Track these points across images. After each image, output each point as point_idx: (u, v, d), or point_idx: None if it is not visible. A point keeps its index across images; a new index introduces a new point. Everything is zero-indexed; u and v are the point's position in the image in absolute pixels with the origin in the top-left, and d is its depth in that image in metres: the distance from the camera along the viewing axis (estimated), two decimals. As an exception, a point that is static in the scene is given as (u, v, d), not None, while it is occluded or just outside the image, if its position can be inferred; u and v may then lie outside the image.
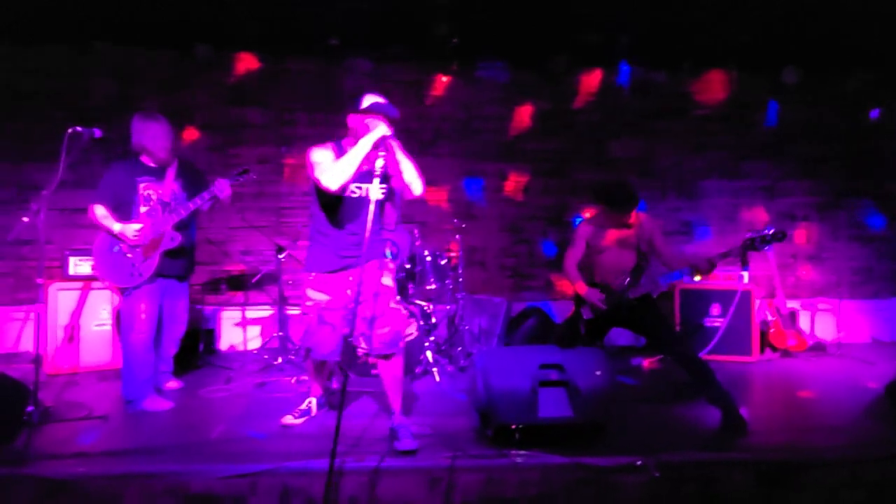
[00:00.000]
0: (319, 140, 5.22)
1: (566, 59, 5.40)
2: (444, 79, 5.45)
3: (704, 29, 4.81)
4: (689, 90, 5.61)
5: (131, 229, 3.33)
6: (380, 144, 2.67)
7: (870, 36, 4.87)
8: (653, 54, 5.34)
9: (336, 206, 2.87)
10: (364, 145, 2.69)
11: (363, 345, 2.93)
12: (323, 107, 5.37)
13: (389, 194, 2.95)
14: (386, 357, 2.90)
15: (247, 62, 5.29)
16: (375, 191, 2.62)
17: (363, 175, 2.77)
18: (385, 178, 2.83)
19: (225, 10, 4.49)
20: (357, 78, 5.38)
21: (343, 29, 4.89)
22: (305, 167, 2.87)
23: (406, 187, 2.81)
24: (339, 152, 2.83)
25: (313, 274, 2.93)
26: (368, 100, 2.86)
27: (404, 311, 3.28)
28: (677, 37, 5.00)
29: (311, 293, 2.93)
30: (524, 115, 5.54)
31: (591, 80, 5.58)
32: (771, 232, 3.16)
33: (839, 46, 5.08)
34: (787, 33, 4.85)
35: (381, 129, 2.69)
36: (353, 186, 2.83)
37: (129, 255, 3.35)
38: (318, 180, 2.75)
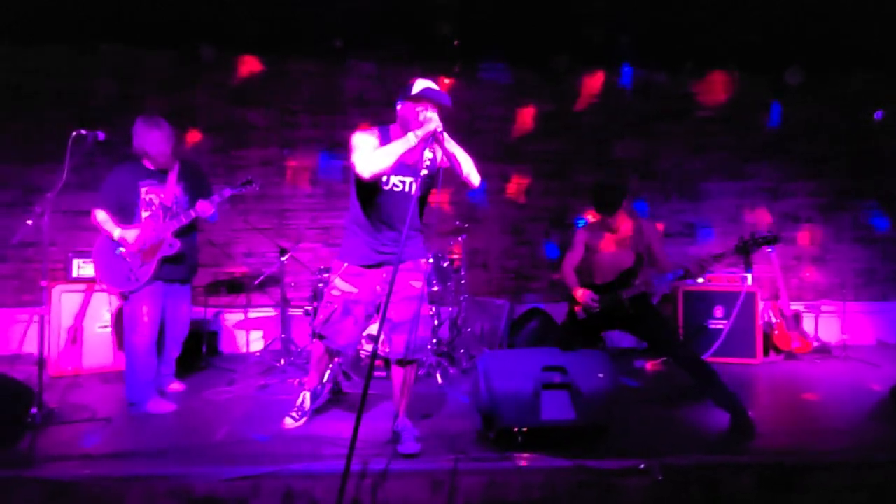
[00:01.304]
0: (321, 142, 5.34)
1: (568, 60, 5.41)
2: (446, 80, 5.45)
3: (706, 30, 4.81)
4: (691, 91, 5.60)
5: (131, 234, 3.34)
6: (429, 139, 2.48)
7: (871, 36, 4.86)
8: (654, 55, 5.34)
9: (377, 198, 2.72)
10: (410, 139, 2.51)
11: (385, 348, 2.87)
12: (325, 108, 5.38)
13: (427, 191, 2.82)
14: (408, 363, 2.82)
15: (249, 64, 5.30)
16: (416, 186, 2.54)
17: (406, 168, 2.66)
18: (431, 177, 2.72)
19: (227, 11, 4.50)
20: (359, 79, 5.39)
21: (345, 30, 4.90)
22: (349, 152, 2.68)
23: (466, 180, 2.65)
24: (384, 139, 2.66)
25: (345, 264, 2.81)
26: (419, 85, 2.62)
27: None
28: (679, 37, 5.00)
29: (340, 283, 2.80)
30: (526, 116, 5.54)
31: (593, 81, 5.58)
32: (763, 234, 3.15)
33: (840, 47, 5.08)
34: (789, 34, 4.85)
35: (431, 125, 2.47)
36: (396, 180, 2.69)
37: (127, 260, 3.36)
38: (353, 165, 2.58)
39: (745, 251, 3.13)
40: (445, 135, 2.52)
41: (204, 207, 3.44)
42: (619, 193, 3.46)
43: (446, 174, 2.70)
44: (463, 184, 2.68)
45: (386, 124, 2.78)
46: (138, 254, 3.37)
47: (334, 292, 2.82)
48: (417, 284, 2.81)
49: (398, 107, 2.70)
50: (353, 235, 2.82)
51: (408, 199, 2.64)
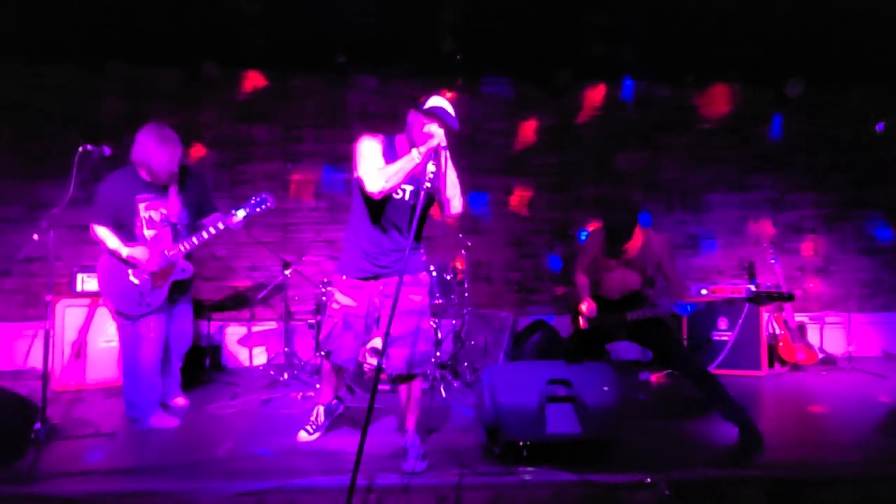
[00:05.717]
0: (325, 157, 5.37)
1: (570, 73, 5.44)
2: (449, 94, 5.49)
3: (706, 43, 4.84)
4: (693, 104, 5.63)
5: (139, 252, 3.19)
6: (432, 154, 2.47)
7: (873, 47, 4.89)
8: (656, 68, 5.37)
9: (380, 208, 2.69)
10: (414, 156, 2.50)
11: (379, 361, 2.86)
12: (329, 123, 5.42)
13: (429, 204, 2.75)
14: (410, 378, 2.81)
15: (254, 80, 5.35)
16: (420, 198, 2.47)
17: (411, 179, 2.61)
18: (433, 190, 2.64)
19: (231, 29, 4.55)
20: (362, 94, 5.44)
21: (349, 46, 4.95)
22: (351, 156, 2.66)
23: (447, 203, 2.67)
24: (388, 148, 2.67)
25: (344, 277, 2.80)
26: (434, 101, 2.59)
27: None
28: (680, 51, 5.03)
29: (340, 297, 2.80)
30: (528, 129, 5.57)
31: (595, 94, 5.61)
32: (779, 292, 3.16)
33: (843, 58, 5.10)
34: (791, 46, 4.87)
35: (434, 141, 2.47)
36: (399, 189, 2.65)
37: (136, 282, 3.23)
38: (360, 179, 2.57)
39: (757, 303, 3.14)
40: (446, 153, 2.54)
41: (229, 222, 3.28)
42: (627, 224, 3.39)
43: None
44: (444, 204, 2.68)
45: (391, 134, 2.77)
46: (149, 277, 3.25)
47: (334, 306, 2.82)
48: (417, 298, 2.78)
49: (408, 116, 2.67)
50: (352, 247, 2.79)
51: (410, 209, 2.62)
